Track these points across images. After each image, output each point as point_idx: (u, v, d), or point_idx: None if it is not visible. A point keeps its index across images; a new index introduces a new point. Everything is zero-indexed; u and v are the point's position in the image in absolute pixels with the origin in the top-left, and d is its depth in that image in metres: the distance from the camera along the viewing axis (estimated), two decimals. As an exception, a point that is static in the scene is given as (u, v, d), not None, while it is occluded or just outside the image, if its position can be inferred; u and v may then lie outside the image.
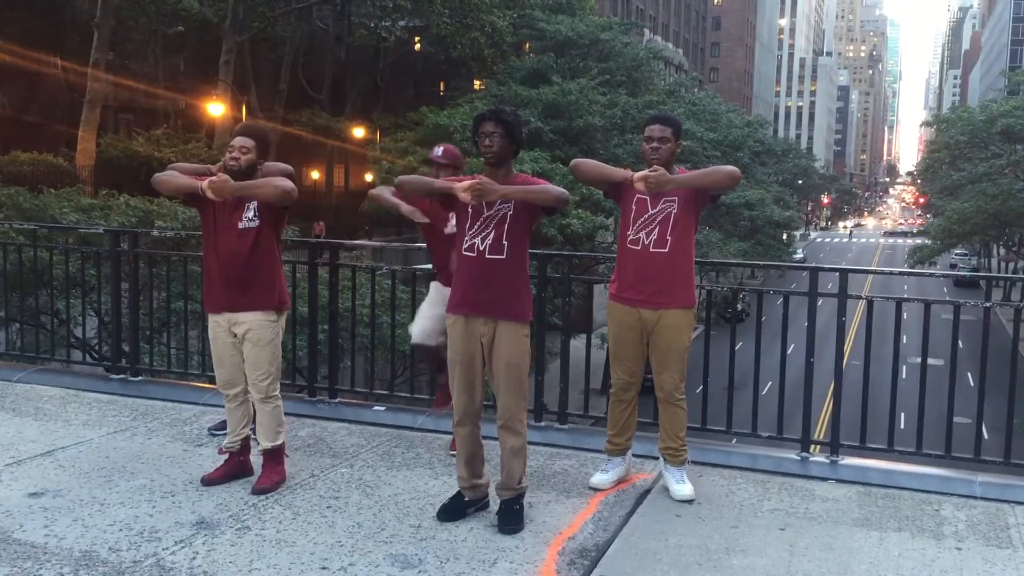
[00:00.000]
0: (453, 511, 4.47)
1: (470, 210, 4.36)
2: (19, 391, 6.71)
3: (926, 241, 51.95)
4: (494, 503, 4.51)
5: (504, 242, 4.33)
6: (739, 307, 6.33)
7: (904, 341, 5.74)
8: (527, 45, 37.89)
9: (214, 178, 4.66)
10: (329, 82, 38.69)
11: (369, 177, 33.62)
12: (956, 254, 68.30)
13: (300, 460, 5.27)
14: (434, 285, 5.52)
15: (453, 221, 5.20)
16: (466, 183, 4.24)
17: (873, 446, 5.61)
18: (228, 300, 4.83)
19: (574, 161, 4.97)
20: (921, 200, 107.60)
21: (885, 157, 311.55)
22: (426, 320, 5.43)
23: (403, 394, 6.71)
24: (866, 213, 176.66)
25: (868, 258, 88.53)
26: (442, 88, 41.41)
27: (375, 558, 4.02)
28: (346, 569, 3.91)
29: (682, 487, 4.82)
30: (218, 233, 4.80)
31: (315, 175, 41.07)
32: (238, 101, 31.67)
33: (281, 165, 5.09)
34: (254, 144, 4.80)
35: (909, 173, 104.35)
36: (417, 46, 39.02)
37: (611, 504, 4.73)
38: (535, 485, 4.86)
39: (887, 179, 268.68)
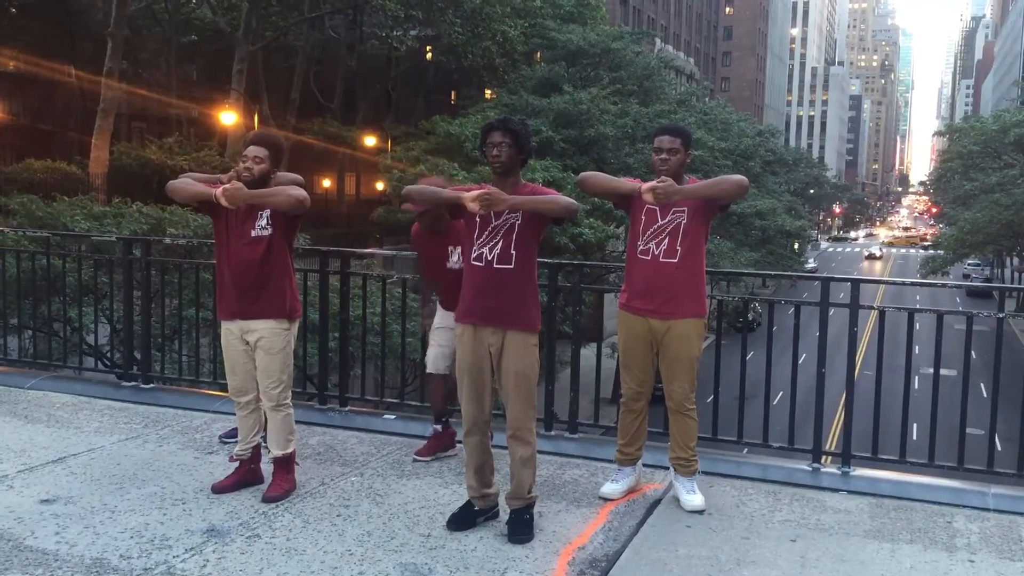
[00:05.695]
0: (463, 520, 4.47)
1: (478, 220, 4.36)
2: (31, 398, 6.74)
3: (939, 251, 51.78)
4: (504, 512, 4.51)
5: (512, 252, 4.33)
6: (750, 317, 6.30)
7: (916, 352, 5.71)
8: (538, 54, 37.90)
9: (228, 186, 4.68)
10: (341, 91, 38.88)
11: (380, 186, 33.73)
12: (969, 264, 67.98)
13: (310, 468, 5.28)
14: (440, 310, 5.55)
15: (455, 257, 5.27)
16: (474, 193, 4.25)
17: (885, 457, 5.58)
18: (240, 308, 4.84)
19: (581, 175, 4.97)
20: (933, 210, 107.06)
21: (897, 167, 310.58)
22: (435, 348, 5.48)
23: (413, 403, 6.71)
24: (878, 223, 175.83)
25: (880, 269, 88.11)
26: (453, 97, 41.52)
27: (385, 567, 4.02)
28: (356, 578, 3.91)
29: (692, 497, 4.81)
30: (231, 241, 4.82)
31: (326, 183, 41.26)
32: (250, 110, 31.85)
33: (292, 175, 5.11)
34: (267, 153, 4.83)
35: (921, 183, 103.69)
36: (429, 55, 39.17)
37: (621, 514, 4.72)
38: (545, 495, 4.85)
39: (899, 189, 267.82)
